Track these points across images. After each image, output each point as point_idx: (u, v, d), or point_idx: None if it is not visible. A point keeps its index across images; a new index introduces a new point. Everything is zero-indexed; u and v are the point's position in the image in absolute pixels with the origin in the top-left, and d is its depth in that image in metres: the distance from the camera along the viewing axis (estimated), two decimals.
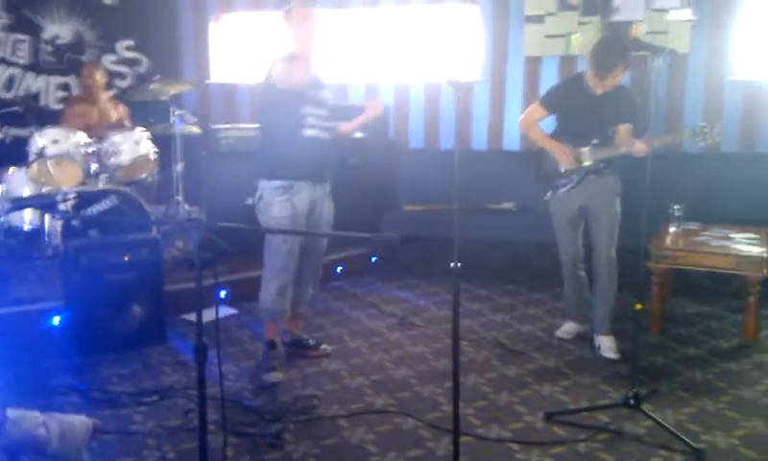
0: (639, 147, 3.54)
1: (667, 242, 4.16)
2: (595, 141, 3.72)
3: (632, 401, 3.01)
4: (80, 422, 2.91)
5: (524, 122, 3.95)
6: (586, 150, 3.75)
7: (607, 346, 3.80)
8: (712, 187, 4.91)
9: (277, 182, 3.46)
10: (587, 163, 3.77)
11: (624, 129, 3.73)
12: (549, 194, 3.92)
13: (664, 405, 3.21)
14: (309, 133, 3.49)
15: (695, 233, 4.29)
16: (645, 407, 3.02)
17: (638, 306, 3.11)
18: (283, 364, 3.65)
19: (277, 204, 3.46)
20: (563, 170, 3.81)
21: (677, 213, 4.34)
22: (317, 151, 3.53)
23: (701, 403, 3.25)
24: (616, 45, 3.60)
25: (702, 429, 3.01)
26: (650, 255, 4.04)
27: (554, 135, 3.87)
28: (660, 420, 2.97)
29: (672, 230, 4.31)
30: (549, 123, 3.96)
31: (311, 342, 3.89)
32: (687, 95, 5.31)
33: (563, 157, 3.77)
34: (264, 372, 3.54)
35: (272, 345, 3.64)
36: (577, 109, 3.74)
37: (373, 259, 5.52)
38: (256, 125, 4.09)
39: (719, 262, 3.99)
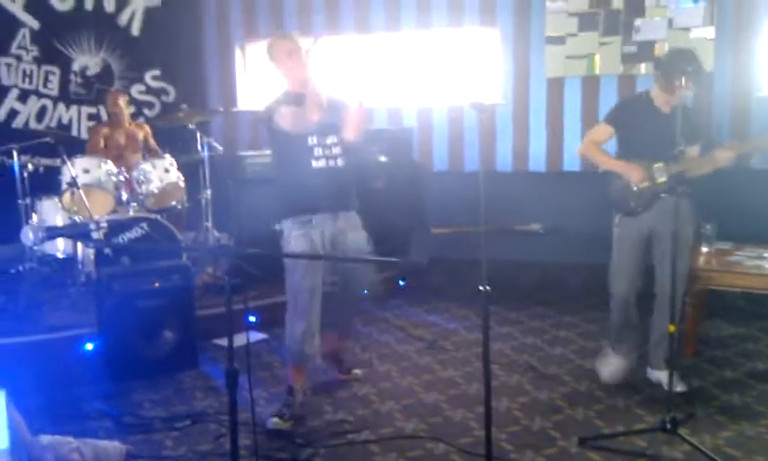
0: (721, 157, 3.39)
1: (700, 262, 4.10)
2: (664, 160, 3.43)
3: (669, 426, 2.96)
4: (113, 447, 2.95)
5: (586, 145, 3.69)
6: (659, 166, 3.46)
7: (675, 378, 3.29)
8: (744, 205, 4.83)
9: (294, 219, 3.39)
10: (661, 180, 3.46)
11: (694, 150, 3.56)
12: (617, 218, 3.61)
13: (702, 430, 3.14)
14: (317, 164, 3.38)
15: (728, 253, 4.22)
16: (682, 432, 2.96)
17: (672, 328, 3.07)
18: (294, 413, 3.41)
19: (294, 239, 3.38)
20: (634, 189, 3.51)
21: (709, 233, 4.28)
22: (329, 181, 3.40)
23: (739, 427, 3.18)
24: (683, 56, 3.42)
25: (741, 454, 2.94)
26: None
27: (617, 158, 3.62)
28: (698, 445, 2.91)
29: (705, 249, 4.26)
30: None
31: (346, 365, 3.89)
32: (714, 113, 5.27)
33: (634, 173, 3.48)
34: (271, 415, 3.37)
35: (290, 391, 3.47)
36: (644, 127, 3.50)
37: (402, 283, 5.51)
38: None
39: (754, 282, 3.92)
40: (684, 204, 3.44)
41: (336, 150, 3.44)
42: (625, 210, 3.57)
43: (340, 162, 3.45)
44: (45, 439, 2.78)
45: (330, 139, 3.42)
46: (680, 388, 3.49)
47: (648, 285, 3.66)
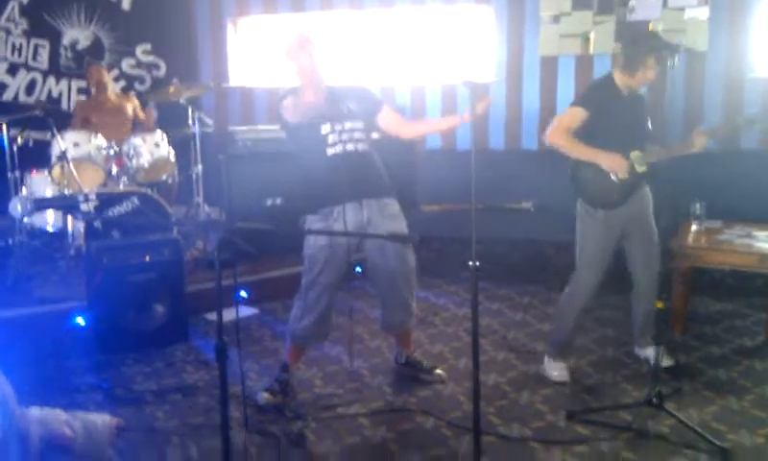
0: (699, 142, 3.28)
1: (689, 240, 4.12)
2: (639, 147, 3.34)
3: (655, 400, 2.98)
4: (102, 420, 2.93)
5: (558, 132, 3.33)
6: (636, 155, 3.31)
7: (662, 353, 3.27)
8: (733, 185, 4.85)
9: (315, 213, 3.23)
10: (641, 170, 3.33)
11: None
12: (599, 214, 3.36)
13: (688, 404, 3.18)
14: (333, 151, 3.18)
15: (717, 231, 4.25)
16: (669, 406, 3.00)
17: (660, 305, 3.09)
18: (285, 389, 3.36)
19: (314, 237, 3.25)
20: (614, 179, 3.32)
21: (698, 211, 4.30)
22: (348, 167, 3.18)
23: (725, 402, 3.22)
24: (647, 36, 3.40)
25: (727, 428, 2.98)
26: (672, 254, 4.01)
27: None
28: (684, 419, 2.94)
29: (694, 228, 4.27)
30: None
31: (425, 364, 3.58)
32: (706, 94, 5.27)
33: (615, 163, 3.27)
34: (261, 390, 3.35)
35: (284, 368, 3.42)
36: (615, 112, 3.31)
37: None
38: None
39: (742, 260, 3.95)
40: (647, 190, 3.45)
41: (357, 134, 3.24)
42: (606, 204, 3.34)
43: (361, 147, 3.24)
44: (35, 412, 2.77)
45: (349, 124, 3.23)
46: (667, 363, 3.51)
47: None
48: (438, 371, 3.56)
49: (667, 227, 3.05)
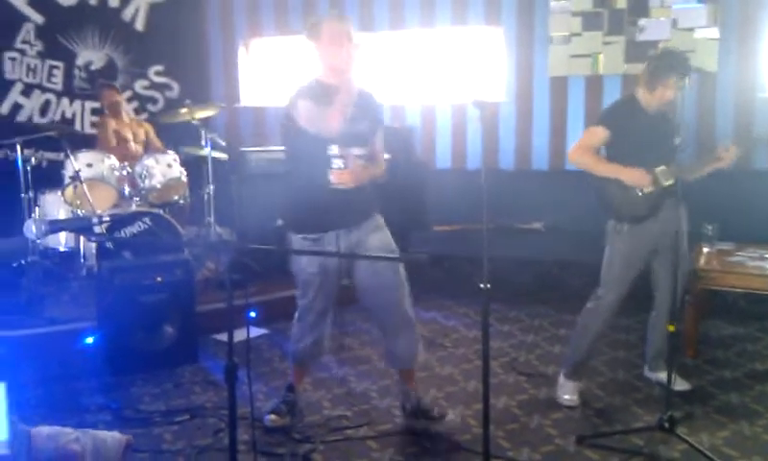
0: (724, 157, 3.37)
1: (701, 262, 4.10)
2: (664, 163, 3.35)
3: (666, 425, 2.96)
4: (112, 438, 2.94)
5: (580, 152, 3.40)
6: (662, 169, 3.32)
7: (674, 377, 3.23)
8: (745, 206, 4.82)
9: (303, 236, 3.06)
10: (667, 183, 3.32)
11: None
12: (625, 228, 3.37)
13: (700, 429, 3.15)
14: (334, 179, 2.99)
15: (729, 254, 4.22)
16: (680, 431, 2.97)
17: (671, 328, 3.07)
18: (293, 410, 3.33)
19: (306, 257, 3.10)
20: (639, 194, 3.34)
21: (710, 233, 4.28)
22: (346, 198, 3.00)
23: (737, 427, 3.18)
24: (672, 56, 3.38)
25: (739, 454, 2.94)
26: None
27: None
28: (695, 444, 2.91)
29: (705, 250, 4.25)
30: None
31: (435, 413, 3.27)
32: (718, 114, 5.26)
33: (641, 178, 3.30)
34: (267, 412, 3.29)
35: (290, 388, 3.37)
36: (637, 129, 3.34)
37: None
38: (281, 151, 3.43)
39: (755, 283, 3.92)
40: (683, 204, 3.39)
41: (360, 163, 3.03)
42: (633, 218, 3.36)
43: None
44: (44, 430, 2.79)
45: (356, 150, 3.01)
46: (680, 387, 3.46)
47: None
48: (450, 417, 3.27)
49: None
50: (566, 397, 3.49)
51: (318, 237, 3.04)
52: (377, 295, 3.16)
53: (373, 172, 3.15)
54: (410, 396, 3.31)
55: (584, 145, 3.42)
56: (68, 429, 2.85)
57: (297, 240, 3.11)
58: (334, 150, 2.98)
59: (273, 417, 3.27)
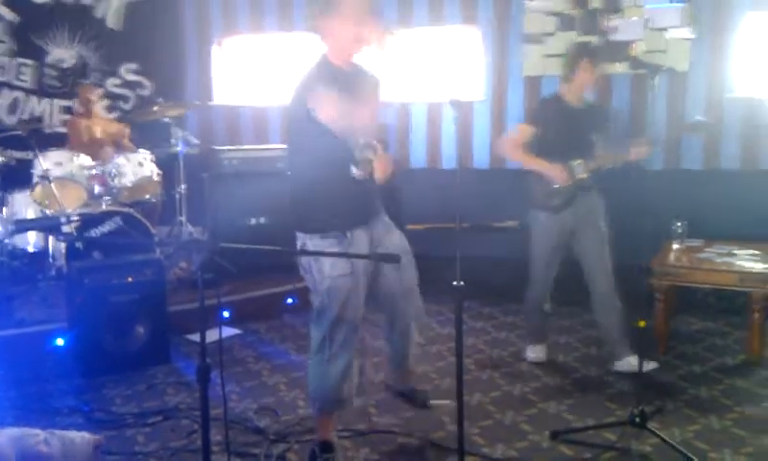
0: (637, 151, 3.68)
1: (670, 259, 4.16)
2: (581, 156, 3.69)
3: (638, 419, 2.99)
4: (81, 438, 2.90)
5: (509, 145, 3.88)
6: (577, 163, 3.69)
7: (634, 363, 3.52)
8: (713, 204, 4.91)
9: (327, 237, 2.72)
10: (581, 177, 3.70)
11: (601, 140, 3.82)
12: (541, 216, 3.76)
13: (671, 423, 3.19)
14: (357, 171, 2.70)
15: (698, 250, 4.28)
16: (651, 425, 3.00)
17: (642, 324, 3.11)
18: None
19: (329, 259, 2.70)
20: (556, 187, 3.70)
21: (679, 230, 4.34)
22: (366, 189, 2.80)
23: (707, 421, 3.23)
24: (577, 45, 3.83)
25: (709, 447, 2.99)
26: (653, 273, 4.03)
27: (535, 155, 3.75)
28: (666, 438, 2.94)
29: (675, 246, 4.31)
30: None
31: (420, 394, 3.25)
32: (687, 113, 5.33)
33: (556, 173, 3.67)
34: None
35: (326, 447, 2.85)
36: (559, 125, 3.69)
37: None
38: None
39: (723, 279, 3.98)
40: (598, 198, 3.79)
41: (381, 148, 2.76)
42: (548, 208, 3.73)
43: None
44: (11, 431, 2.73)
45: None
46: (649, 366, 3.66)
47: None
48: (434, 402, 3.25)
49: (648, 245, 3.07)
50: (531, 355, 3.98)
51: (341, 235, 2.72)
52: (401, 301, 3.01)
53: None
54: (407, 389, 3.24)
55: (512, 140, 3.87)
56: (36, 430, 2.80)
57: (319, 245, 2.72)
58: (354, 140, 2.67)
59: None
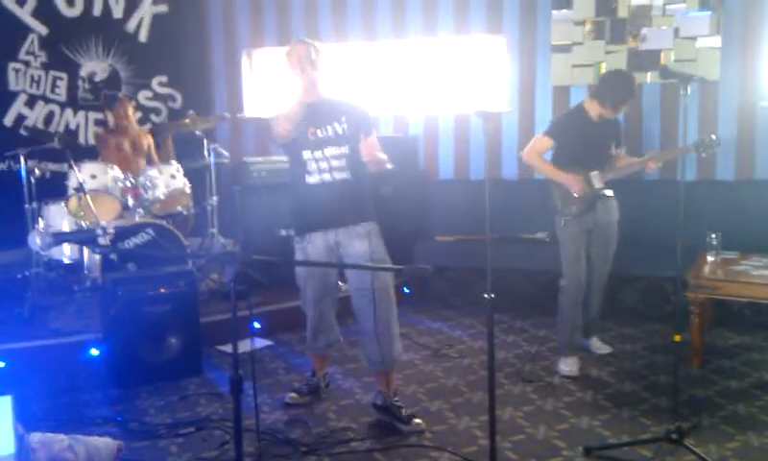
0: (650, 165, 4.00)
1: (706, 272, 4.09)
2: (599, 167, 3.97)
3: (674, 436, 2.94)
4: (104, 444, 2.93)
5: (530, 155, 4.04)
6: (594, 174, 3.95)
7: (600, 344, 4.30)
8: (747, 215, 4.83)
9: (294, 233, 3.48)
10: (598, 187, 3.96)
11: (621, 152, 4.13)
12: (562, 222, 3.99)
13: (708, 440, 3.13)
14: (311, 180, 3.29)
15: (734, 262, 4.21)
16: (688, 442, 2.95)
17: (677, 338, 3.06)
18: (314, 392, 3.71)
19: (297, 252, 3.46)
20: (575, 195, 3.93)
21: (714, 242, 4.27)
22: (325, 198, 3.28)
23: (745, 438, 3.16)
24: (629, 80, 3.95)
25: None
26: (688, 285, 3.97)
27: (555, 166, 4.02)
28: (703, 455, 2.89)
29: (710, 259, 4.24)
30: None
31: (404, 413, 3.35)
32: (720, 122, 5.26)
33: (574, 183, 3.91)
34: (290, 391, 3.71)
35: (313, 372, 3.76)
36: (580, 138, 3.94)
37: (406, 291, 5.50)
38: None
39: (760, 292, 3.91)
40: (614, 202, 4.08)
41: (337, 162, 3.27)
42: (569, 215, 3.96)
43: (341, 176, 3.28)
44: (37, 436, 2.77)
45: (330, 151, 3.28)
46: (604, 350, 4.24)
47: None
48: (416, 420, 3.33)
49: (683, 258, 3.03)
50: (566, 369, 3.96)
51: (302, 236, 3.39)
52: (356, 299, 3.38)
53: (381, 159, 3.33)
54: (384, 396, 3.42)
55: (532, 149, 4.04)
56: (60, 436, 2.83)
57: (294, 239, 3.48)
58: (307, 154, 3.30)
59: (293, 395, 3.64)
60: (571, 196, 3.93)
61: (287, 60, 3.35)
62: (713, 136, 3.91)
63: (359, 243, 3.32)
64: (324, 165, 3.28)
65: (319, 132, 3.30)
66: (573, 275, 3.98)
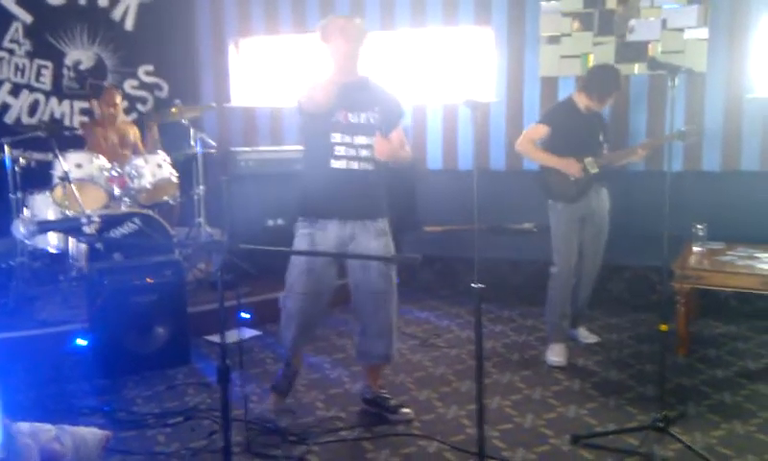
0: (640, 153, 4.12)
1: (692, 262, 4.13)
2: (592, 155, 4.00)
3: (660, 424, 2.97)
4: (91, 434, 2.91)
5: (524, 143, 4.08)
6: (589, 160, 3.98)
7: (587, 333, 4.36)
8: (733, 206, 4.86)
9: (304, 218, 3.19)
10: (594, 171, 3.98)
11: (606, 148, 4.14)
12: (559, 205, 4.00)
13: (693, 428, 3.16)
14: (336, 164, 3.10)
15: (720, 253, 4.25)
16: (674, 430, 2.97)
17: (664, 327, 3.08)
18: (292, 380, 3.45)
19: (298, 237, 3.18)
20: (572, 179, 3.96)
21: (700, 233, 4.30)
22: (347, 184, 3.11)
23: (731, 426, 3.20)
24: (615, 74, 4.03)
25: (733, 453, 2.96)
26: (674, 276, 4.01)
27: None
28: (689, 443, 2.92)
29: (696, 249, 4.28)
30: None
31: (391, 403, 3.38)
32: (707, 114, 5.29)
33: (571, 166, 3.94)
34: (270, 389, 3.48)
35: (288, 364, 3.43)
36: (572, 127, 4.01)
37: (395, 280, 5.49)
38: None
39: (745, 282, 3.95)
40: (608, 195, 4.15)
41: (365, 152, 3.13)
42: (566, 199, 3.99)
43: (365, 166, 3.14)
44: (24, 426, 2.75)
45: (360, 140, 3.12)
46: (591, 339, 4.29)
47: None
48: (404, 410, 3.35)
49: (668, 248, 3.05)
50: (553, 358, 3.98)
51: (313, 220, 3.16)
52: (362, 294, 3.24)
53: (400, 152, 3.25)
54: (371, 390, 3.43)
55: (527, 138, 4.10)
56: (47, 426, 2.81)
57: (298, 224, 3.23)
58: (337, 137, 3.11)
59: (274, 399, 3.43)
60: (567, 181, 3.96)
61: (323, 32, 3.11)
62: (695, 125, 4.04)
63: (375, 243, 3.18)
64: (352, 152, 3.12)
65: (351, 116, 3.11)
66: (565, 262, 4.00)
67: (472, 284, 2.63)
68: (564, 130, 3.99)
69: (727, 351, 4.13)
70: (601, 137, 4.08)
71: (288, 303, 3.25)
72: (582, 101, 4.03)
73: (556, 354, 3.98)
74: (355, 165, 3.13)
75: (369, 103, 3.16)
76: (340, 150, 3.11)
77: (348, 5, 6.22)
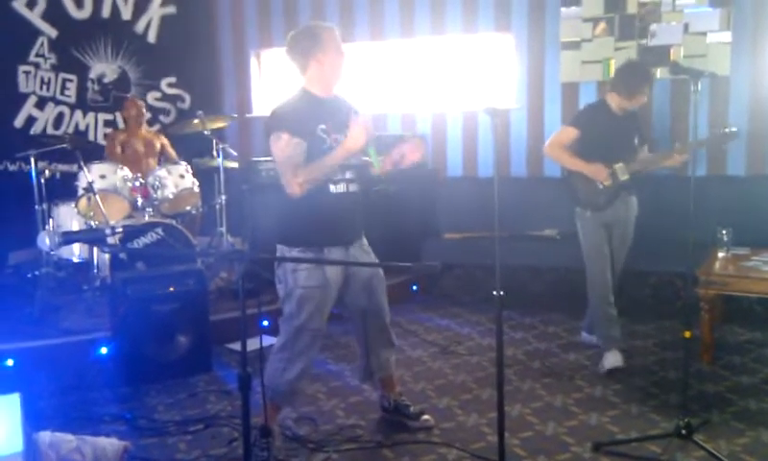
0: (677, 158, 3.90)
1: (716, 267, 4.06)
2: (623, 160, 3.88)
3: (684, 432, 2.93)
4: (111, 445, 2.95)
5: (553, 147, 3.99)
6: (619, 166, 3.86)
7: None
8: (758, 211, 4.79)
9: (303, 250, 2.97)
10: (624, 178, 3.87)
11: (644, 149, 4.03)
12: (587, 213, 3.91)
13: (718, 436, 3.10)
14: (336, 189, 2.98)
15: (744, 258, 4.18)
16: (698, 438, 2.93)
17: (687, 334, 3.04)
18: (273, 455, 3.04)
19: (305, 270, 2.94)
20: (600, 187, 3.87)
21: (725, 238, 4.24)
22: (348, 209, 3.03)
23: (756, 434, 3.14)
24: (643, 68, 3.92)
25: None
26: (698, 281, 3.95)
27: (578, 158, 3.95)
28: (713, 451, 2.87)
29: (720, 255, 4.21)
30: None
31: (412, 410, 3.34)
32: (731, 118, 5.22)
33: (599, 172, 3.84)
34: None
35: (265, 432, 2.95)
36: (604, 130, 3.88)
37: (415, 288, 5.50)
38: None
39: None
40: (634, 199, 4.01)
41: (349, 173, 3.03)
42: (593, 207, 3.90)
43: (354, 187, 3.05)
44: (45, 436, 2.79)
45: (350, 159, 2.99)
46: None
47: None
48: (425, 417, 3.32)
49: (692, 253, 3.01)
50: (608, 362, 3.89)
51: (318, 252, 2.97)
52: (368, 315, 3.21)
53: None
54: (387, 396, 3.39)
55: (556, 141, 3.98)
56: (69, 436, 2.85)
57: (293, 254, 2.99)
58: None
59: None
60: (596, 187, 3.87)
61: (315, 41, 2.97)
62: (734, 128, 3.84)
63: (369, 260, 3.17)
64: (347, 175, 3.01)
65: (339, 138, 2.94)
66: (599, 269, 3.92)
67: (493, 291, 2.62)
68: (594, 133, 3.87)
69: (752, 358, 4.06)
70: (636, 141, 3.94)
71: (297, 341, 3.02)
72: (614, 101, 3.89)
73: (610, 363, 3.88)
74: (352, 187, 3.04)
75: (345, 118, 2.96)
76: (337, 174, 2.97)
77: (368, 14, 6.25)
